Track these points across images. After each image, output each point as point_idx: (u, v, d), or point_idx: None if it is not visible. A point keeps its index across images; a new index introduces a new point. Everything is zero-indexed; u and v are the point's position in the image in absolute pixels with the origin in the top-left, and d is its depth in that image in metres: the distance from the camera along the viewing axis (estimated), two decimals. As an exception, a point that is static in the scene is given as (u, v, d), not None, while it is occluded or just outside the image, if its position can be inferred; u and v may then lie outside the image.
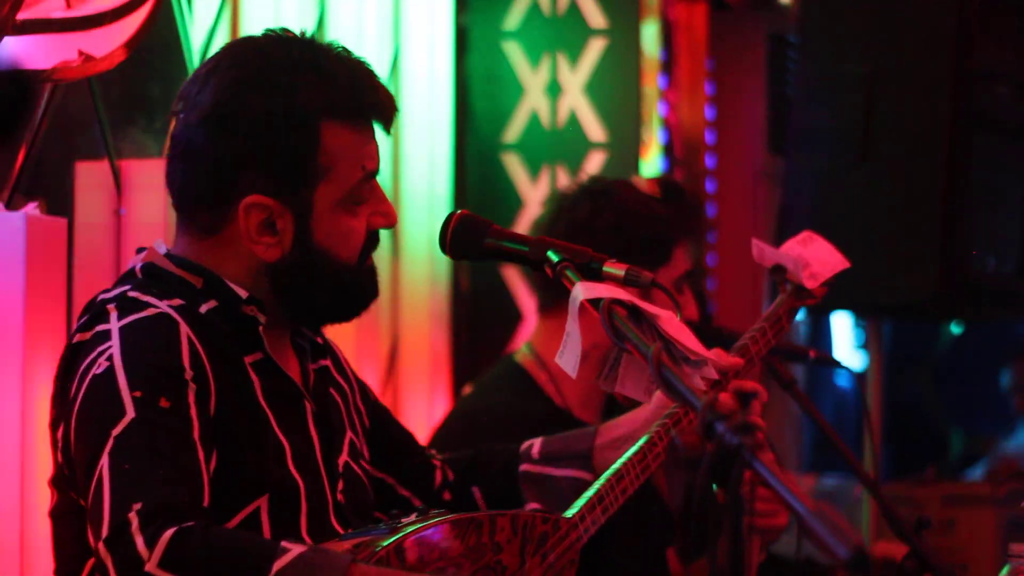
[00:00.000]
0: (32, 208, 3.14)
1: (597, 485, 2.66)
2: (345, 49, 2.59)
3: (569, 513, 2.61)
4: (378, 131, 2.60)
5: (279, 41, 2.57)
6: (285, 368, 2.57)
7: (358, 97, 2.54)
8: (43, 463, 3.01)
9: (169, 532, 2.21)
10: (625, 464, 2.69)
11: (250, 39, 2.63)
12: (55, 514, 2.50)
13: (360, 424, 2.74)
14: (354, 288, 2.59)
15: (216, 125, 2.50)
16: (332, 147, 2.52)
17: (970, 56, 4.50)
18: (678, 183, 3.65)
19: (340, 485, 2.59)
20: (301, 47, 2.55)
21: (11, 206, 3.13)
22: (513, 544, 2.50)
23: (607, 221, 3.36)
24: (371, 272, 2.62)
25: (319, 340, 2.71)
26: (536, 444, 2.87)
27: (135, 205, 3.42)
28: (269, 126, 2.49)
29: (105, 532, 2.24)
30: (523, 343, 3.65)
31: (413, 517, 2.43)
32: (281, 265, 2.53)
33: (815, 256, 2.99)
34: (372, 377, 4.33)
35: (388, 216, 2.60)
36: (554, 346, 3.54)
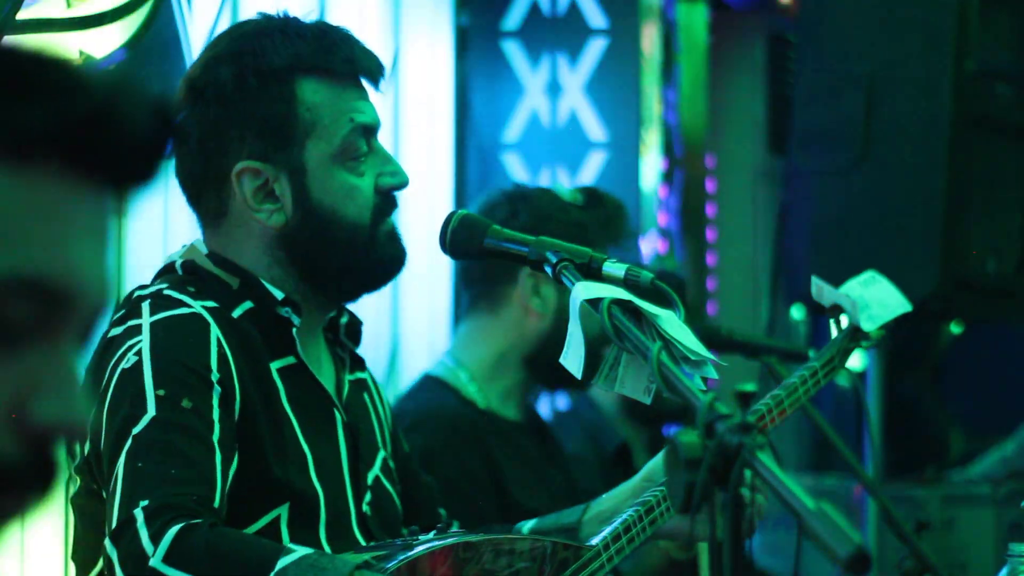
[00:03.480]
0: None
1: (624, 515, 2.63)
2: (322, 20, 2.62)
3: (593, 541, 2.59)
4: (371, 89, 2.60)
5: (251, 19, 2.62)
6: (319, 375, 2.57)
7: (329, 50, 2.55)
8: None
9: (175, 528, 2.21)
10: (657, 496, 2.66)
11: (227, 27, 2.66)
12: (76, 501, 2.51)
13: (391, 448, 2.73)
14: (371, 251, 2.57)
15: (193, 102, 2.53)
16: (312, 102, 2.53)
17: (970, 56, 4.50)
18: (600, 191, 3.68)
19: (368, 498, 2.58)
20: (270, 18, 2.59)
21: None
22: (532, 568, 2.48)
23: (522, 224, 3.38)
24: (391, 235, 2.59)
25: (358, 354, 2.70)
26: (530, 523, 2.83)
27: (135, 205, 3.42)
28: (240, 89, 2.51)
29: (113, 526, 2.25)
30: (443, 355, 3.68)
31: (431, 535, 2.42)
32: (289, 231, 2.53)
33: (875, 298, 2.95)
34: (372, 377, 4.33)
35: (397, 175, 2.59)
36: (472, 351, 3.60)
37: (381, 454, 2.67)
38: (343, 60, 2.56)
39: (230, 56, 2.53)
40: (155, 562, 2.21)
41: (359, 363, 2.71)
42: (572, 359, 2.37)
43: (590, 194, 3.62)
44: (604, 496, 2.82)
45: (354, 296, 2.67)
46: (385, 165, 2.59)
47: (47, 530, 3.00)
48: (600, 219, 3.54)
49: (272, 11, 2.62)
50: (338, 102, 2.55)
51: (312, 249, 2.54)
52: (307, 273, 2.56)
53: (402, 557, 2.33)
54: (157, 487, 2.26)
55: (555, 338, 3.52)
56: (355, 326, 2.70)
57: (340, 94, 2.56)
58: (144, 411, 2.33)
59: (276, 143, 2.52)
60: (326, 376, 2.61)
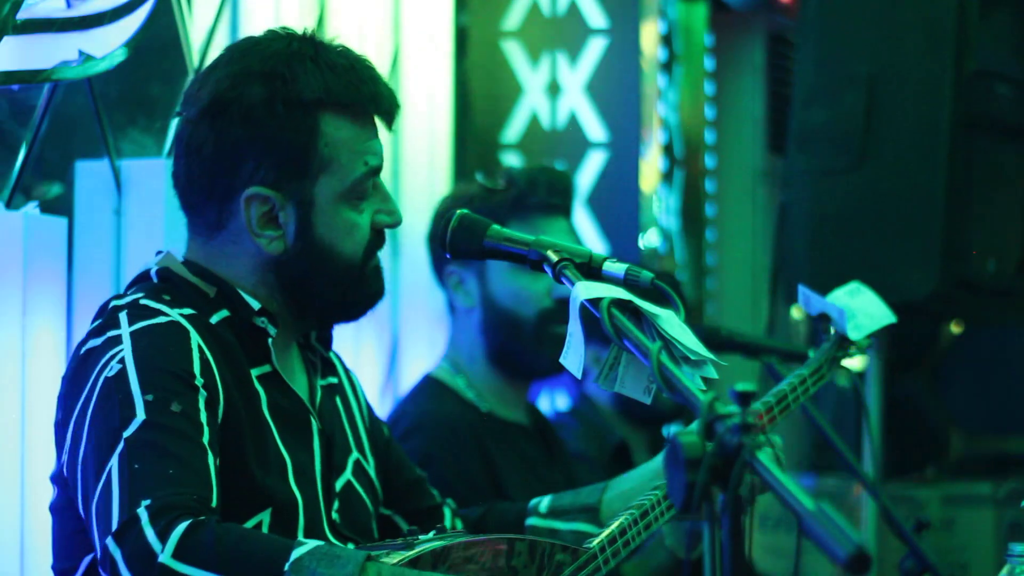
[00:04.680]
0: (32, 208, 3.14)
1: (620, 519, 2.65)
2: (346, 47, 2.61)
3: (590, 544, 2.60)
4: (382, 129, 2.61)
5: (279, 37, 2.60)
6: (292, 383, 2.58)
7: (357, 87, 2.56)
8: (43, 461, 3.01)
9: (183, 525, 2.21)
10: (652, 500, 2.68)
11: (251, 37, 2.65)
12: (55, 508, 2.51)
13: (368, 447, 2.74)
14: (359, 286, 2.60)
15: (216, 115, 2.52)
16: (332, 138, 2.54)
17: (970, 56, 4.50)
18: (518, 170, 3.70)
19: (335, 505, 2.59)
20: (301, 41, 2.58)
21: (11, 206, 3.13)
22: (529, 570, 2.49)
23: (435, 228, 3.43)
24: (376, 271, 2.63)
25: (329, 357, 2.71)
26: (545, 500, 2.88)
27: (135, 205, 3.42)
28: (268, 113, 2.50)
29: (114, 527, 2.24)
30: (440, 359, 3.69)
31: (431, 534, 2.43)
32: (285, 259, 2.54)
33: (861, 308, 2.98)
34: (372, 377, 4.33)
35: (393, 215, 2.61)
36: (458, 354, 3.61)
37: (353, 456, 2.68)
38: (368, 99, 2.57)
39: (261, 76, 2.52)
40: (165, 558, 2.20)
41: (330, 367, 2.72)
42: (572, 358, 2.37)
43: (507, 176, 3.62)
44: (625, 476, 2.84)
45: (332, 324, 2.70)
46: (384, 203, 2.61)
47: (47, 532, 3.00)
48: (509, 199, 3.54)
49: (298, 29, 2.60)
50: (356, 142, 2.56)
51: (305, 280, 2.56)
52: (294, 299, 2.58)
53: (401, 557, 2.33)
54: (157, 487, 2.26)
55: (493, 328, 3.54)
56: (325, 331, 2.72)
57: (358, 133, 2.57)
58: (134, 415, 2.32)
59: (291, 173, 2.52)
60: (299, 384, 2.62)
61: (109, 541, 2.24)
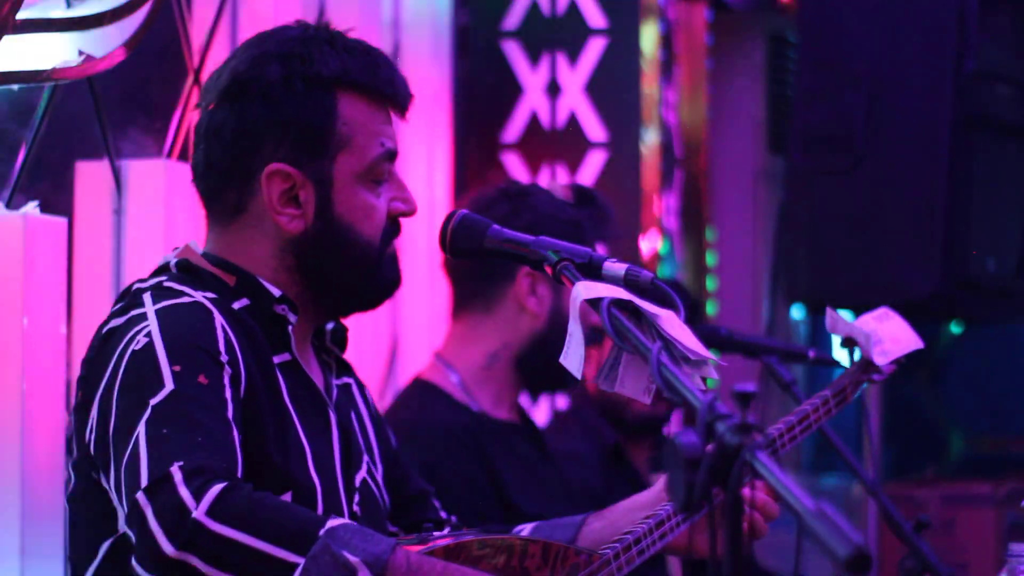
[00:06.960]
0: (32, 208, 3.14)
1: (635, 529, 2.64)
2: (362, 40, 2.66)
3: (604, 550, 2.60)
4: (395, 120, 2.64)
5: (295, 25, 2.65)
6: (310, 374, 2.59)
7: (374, 70, 2.60)
8: (43, 461, 3.02)
9: (218, 486, 2.22)
10: (668, 512, 2.67)
11: (265, 31, 2.68)
12: (73, 497, 2.51)
13: (377, 452, 2.75)
14: (377, 270, 2.61)
15: (235, 97, 2.56)
16: (349, 117, 2.57)
17: (970, 56, 4.50)
18: (589, 189, 3.71)
19: (356, 498, 2.60)
20: (316, 27, 2.64)
21: (11, 206, 3.13)
22: (542, 572, 2.49)
23: (524, 222, 3.37)
24: (393, 259, 2.65)
25: (344, 360, 2.72)
26: (527, 528, 2.82)
27: (135, 205, 3.42)
28: (287, 90, 2.54)
29: (144, 483, 2.24)
30: (433, 356, 3.68)
31: (445, 531, 2.44)
32: (304, 238, 2.56)
33: (888, 333, 2.97)
34: (372, 377, 4.33)
35: (409, 203, 2.64)
36: (463, 351, 3.61)
37: (365, 458, 2.69)
38: (385, 81, 2.61)
39: (279, 57, 2.56)
40: (199, 515, 2.20)
41: (345, 368, 2.73)
42: (572, 359, 2.37)
43: (579, 192, 3.63)
44: (605, 511, 2.81)
45: (350, 311, 2.71)
46: (399, 191, 2.64)
47: (47, 530, 3.00)
48: (593, 216, 3.56)
49: (311, 22, 2.65)
50: (372, 123, 2.60)
51: (324, 260, 2.57)
52: (313, 282, 2.59)
53: (421, 550, 2.34)
54: (188, 451, 2.26)
55: (548, 339, 3.54)
56: (341, 332, 2.72)
57: (374, 115, 2.60)
58: (162, 385, 2.33)
59: (310, 151, 2.55)
60: (316, 378, 2.63)
61: (140, 495, 2.23)
